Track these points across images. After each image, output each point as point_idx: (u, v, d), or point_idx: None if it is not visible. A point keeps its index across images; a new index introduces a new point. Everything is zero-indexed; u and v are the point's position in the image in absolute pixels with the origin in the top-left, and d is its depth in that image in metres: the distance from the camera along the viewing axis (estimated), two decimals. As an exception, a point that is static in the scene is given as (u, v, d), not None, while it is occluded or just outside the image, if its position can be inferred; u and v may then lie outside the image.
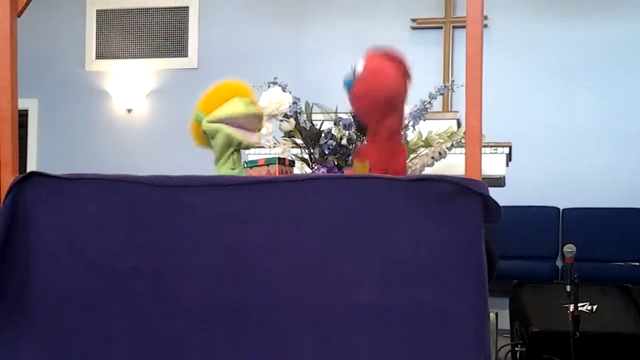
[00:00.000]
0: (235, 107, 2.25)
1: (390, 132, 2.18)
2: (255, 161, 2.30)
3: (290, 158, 3.07)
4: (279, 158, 2.29)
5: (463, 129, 2.92)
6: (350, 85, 2.23)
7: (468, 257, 1.85)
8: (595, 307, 4.39)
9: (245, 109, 2.25)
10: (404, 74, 2.23)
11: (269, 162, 2.28)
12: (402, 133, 2.33)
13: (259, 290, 1.94)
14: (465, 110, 1.97)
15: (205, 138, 2.30)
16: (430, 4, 7.00)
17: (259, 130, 2.37)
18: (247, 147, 2.33)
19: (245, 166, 2.30)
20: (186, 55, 7.52)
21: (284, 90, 2.97)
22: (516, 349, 4.52)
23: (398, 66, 2.24)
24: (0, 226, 2.04)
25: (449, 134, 3.06)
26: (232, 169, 2.26)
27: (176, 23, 7.56)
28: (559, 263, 6.36)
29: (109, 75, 7.61)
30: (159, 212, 2.01)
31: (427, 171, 3.09)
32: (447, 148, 3.07)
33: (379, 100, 2.17)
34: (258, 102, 2.38)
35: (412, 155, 3.10)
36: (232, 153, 2.27)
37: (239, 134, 2.25)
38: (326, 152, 2.89)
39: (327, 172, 2.81)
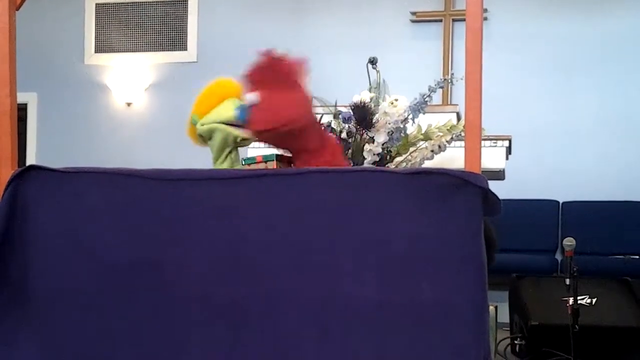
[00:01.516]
0: (226, 111, 2.26)
1: (309, 142, 2.16)
2: (253, 158, 2.29)
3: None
4: (276, 155, 2.28)
5: (463, 122, 2.92)
6: (244, 115, 2.14)
7: (467, 250, 1.85)
8: (594, 300, 4.40)
9: (235, 113, 2.25)
10: (300, 88, 2.12)
11: (266, 159, 2.27)
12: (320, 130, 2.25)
13: (258, 284, 1.94)
14: (465, 104, 1.96)
15: (202, 139, 2.32)
16: (430, -3, 7.00)
17: None
18: (244, 144, 2.33)
19: (244, 163, 2.30)
20: (185, 49, 7.51)
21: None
22: (515, 342, 4.52)
23: (287, 91, 2.11)
24: (-1, 220, 2.04)
25: (448, 127, 3.06)
26: (231, 167, 2.27)
27: (175, 16, 7.54)
28: (558, 256, 6.36)
29: (108, 68, 7.60)
30: (158, 206, 2.00)
31: (427, 164, 3.09)
32: (447, 141, 3.06)
33: (280, 132, 2.11)
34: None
35: (411, 149, 3.10)
36: (230, 152, 2.28)
37: (235, 130, 2.25)
38: (326, 145, 2.88)
39: (327, 165, 2.80)
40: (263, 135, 2.15)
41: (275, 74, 2.10)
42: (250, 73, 2.12)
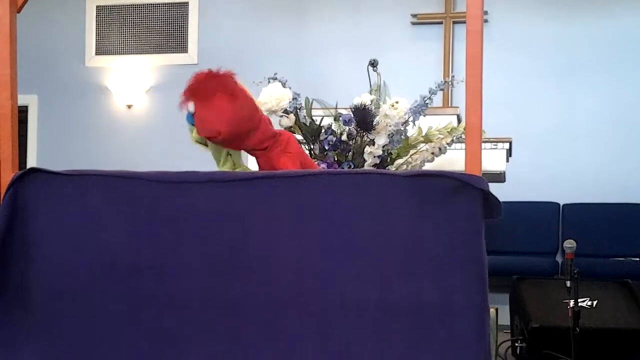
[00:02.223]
0: None
1: (260, 144, 2.24)
2: None
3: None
4: None
5: (463, 124, 2.92)
6: (191, 121, 2.25)
7: (468, 253, 1.85)
8: (595, 302, 4.39)
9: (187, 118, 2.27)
10: (232, 99, 2.18)
11: None
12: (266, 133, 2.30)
13: (259, 286, 1.94)
14: (466, 106, 1.96)
15: (201, 144, 2.33)
16: (430, -1, 7.00)
17: None
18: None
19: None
20: (186, 51, 7.51)
21: (284, 86, 2.97)
22: (516, 344, 4.52)
23: (220, 102, 2.18)
24: (0, 223, 2.04)
25: (449, 130, 3.06)
26: (234, 169, 2.27)
27: (176, 19, 7.55)
28: (559, 258, 6.36)
29: (108, 71, 7.60)
30: (158, 208, 2.01)
31: (427, 167, 3.09)
32: (447, 144, 3.07)
33: (219, 144, 2.22)
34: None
35: (412, 151, 3.10)
36: (229, 153, 2.29)
37: None
38: (326, 147, 2.89)
39: (327, 167, 2.81)
40: (214, 140, 2.23)
41: (209, 88, 2.18)
42: (189, 84, 2.22)
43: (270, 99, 2.88)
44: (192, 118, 2.22)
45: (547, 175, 6.66)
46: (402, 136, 2.97)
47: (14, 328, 2.05)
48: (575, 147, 6.67)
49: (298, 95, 2.99)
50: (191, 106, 2.19)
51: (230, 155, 2.29)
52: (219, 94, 2.15)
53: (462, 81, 2.03)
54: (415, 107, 2.95)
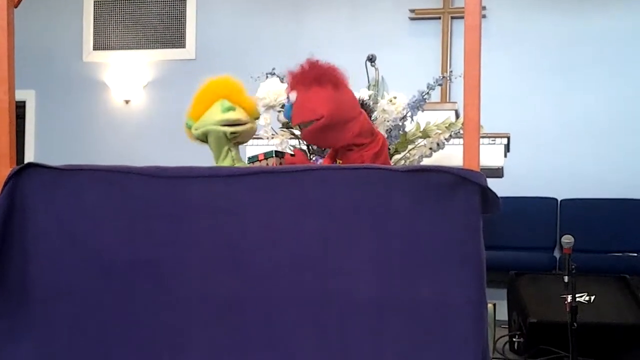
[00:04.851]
0: (214, 114, 2.27)
1: (357, 137, 2.24)
2: (256, 156, 2.31)
3: (289, 149, 3.07)
4: (275, 151, 2.30)
5: (461, 119, 2.92)
6: (289, 114, 2.29)
7: (466, 248, 1.85)
8: (593, 297, 4.40)
9: (221, 117, 2.26)
10: (335, 86, 2.22)
11: (267, 156, 2.29)
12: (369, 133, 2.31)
13: (257, 282, 1.94)
14: (464, 101, 1.96)
15: (201, 141, 2.35)
16: (428, -6, 7.00)
17: (257, 118, 2.39)
18: (241, 140, 2.33)
19: (248, 162, 2.32)
20: (184, 46, 7.50)
21: (282, 81, 2.97)
22: (514, 339, 4.53)
23: (323, 87, 2.22)
24: (-3, 218, 2.03)
25: (447, 125, 3.06)
26: (232, 164, 2.27)
27: (174, 14, 7.54)
28: (557, 254, 6.37)
29: (106, 66, 7.59)
30: (156, 204, 2.00)
31: (425, 162, 3.09)
32: (445, 139, 3.06)
33: (318, 131, 2.23)
34: (246, 96, 2.37)
35: (410, 146, 3.10)
36: (229, 149, 2.29)
37: (224, 127, 2.27)
38: (324, 143, 2.88)
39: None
40: (303, 133, 2.27)
41: (312, 75, 2.21)
42: (291, 75, 2.25)
43: (268, 94, 2.88)
44: (289, 111, 2.26)
45: (545, 171, 6.66)
46: (400, 131, 2.97)
47: (12, 321, 2.05)
48: (573, 143, 6.67)
49: (296, 90, 2.98)
50: (293, 96, 2.23)
51: (231, 150, 2.30)
52: (324, 80, 2.20)
53: (460, 76, 2.03)
54: (414, 102, 2.95)
